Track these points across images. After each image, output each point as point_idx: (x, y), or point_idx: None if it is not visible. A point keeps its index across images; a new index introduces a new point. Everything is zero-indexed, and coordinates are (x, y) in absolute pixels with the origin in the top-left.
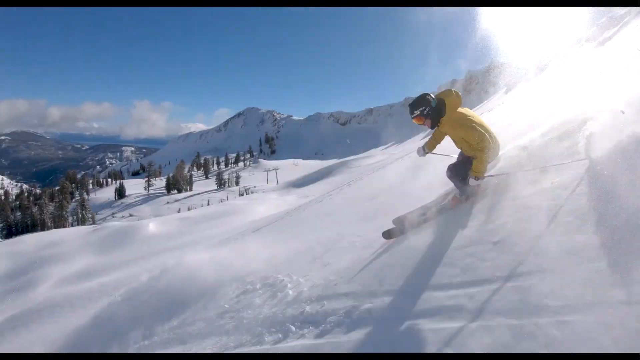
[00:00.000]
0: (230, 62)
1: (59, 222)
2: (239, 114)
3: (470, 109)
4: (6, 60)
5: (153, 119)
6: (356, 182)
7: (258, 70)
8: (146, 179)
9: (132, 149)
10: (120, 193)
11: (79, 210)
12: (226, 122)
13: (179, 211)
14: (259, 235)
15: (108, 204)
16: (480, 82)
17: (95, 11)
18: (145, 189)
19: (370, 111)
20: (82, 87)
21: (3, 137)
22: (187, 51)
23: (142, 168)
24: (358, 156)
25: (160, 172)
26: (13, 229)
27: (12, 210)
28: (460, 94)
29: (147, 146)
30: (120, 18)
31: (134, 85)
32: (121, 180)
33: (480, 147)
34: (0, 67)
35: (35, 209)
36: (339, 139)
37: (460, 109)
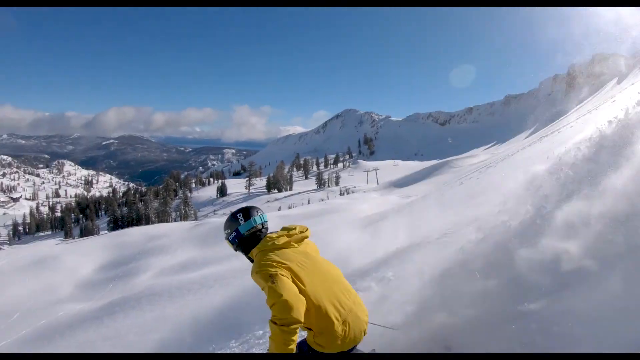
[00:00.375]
0: (328, 65)
1: (162, 217)
2: (337, 116)
3: (578, 104)
4: (115, 72)
5: (252, 122)
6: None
7: (355, 71)
8: (247, 179)
9: (233, 151)
10: (222, 191)
11: (182, 207)
12: (325, 124)
13: (279, 209)
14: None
15: (210, 202)
16: (585, 75)
17: (194, 22)
18: (246, 188)
19: (469, 110)
20: (184, 94)
21: (112, 141)
22: (284, 55)
23: (243, 168)
24: (460, 156)
25: (260, 172)
26: (119, 222)
27: (119, 205)
28: (305, 229)
29: (247, 148)
30: (217, 26)
31: (233, 91)
32: (223, 180)
33: (274, 315)
34: (109, 77)
35: (140, 205)
36: (439, 139)
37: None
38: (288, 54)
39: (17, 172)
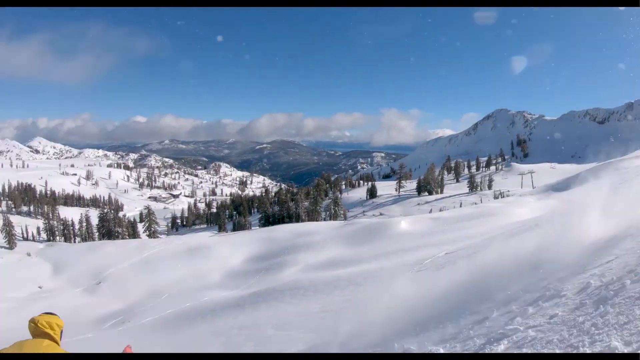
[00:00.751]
0: (477, 64)
1: (312, 216)
2: (487, 117)
3: None
4: (267, 81)
5: (401, 126)
6: None
7: (505, 69)
8: (397, 180)
9: (382, 154)
10: (372, 193)
11: (332, 207)
12: (475, 125)
13: (430, 212)
14: None
15: (359, 203)
16: None
17: (339, 29)
18: (395, 190)
19: (630, 105)
20: (333, 100)
21: (265, 145)
22: (431, 57)
23: (392, 171)
24: (626, 156)
25: (410, 175)
26: (270, 219)
27: (270, 204)
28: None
29: (396, 152)
30: (363, 31)
31: (381, 95)
32: (372, 182)
33: None
34: (262, 86)
35: (291, 204)
36: (597, 139)
37: None
38: (435, 55)
39: (177, 172)
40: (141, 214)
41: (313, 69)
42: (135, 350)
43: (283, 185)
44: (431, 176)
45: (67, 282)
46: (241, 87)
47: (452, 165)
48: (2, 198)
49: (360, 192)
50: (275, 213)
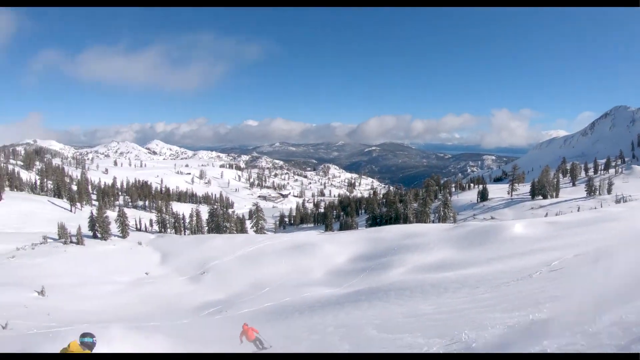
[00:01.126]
0: (592, 60)
1: (421, 217)
2: (605, 115)
3: None
4: (376, 83)
5: (512, 127)
6: None
7: (621, 62)
8: (510, 183)
9: (493, 157)
10: (483, 196)
11: (441, 209)
12: (592, 125)
13: (545, 215)
14: None
15: (470, 206)
16: None
17: (448, 29)
18: (507, 193)
19: None
20: (442, 102)
21: (374, 148)
22: (541, 54)
23: (504, 174)
24: None
25: (523, 177)
26: (378, 220)
27: (378, 205)
28: None
29: (508, 155)
30: (471, 31)
31: (491, 95)
32: (484, 184)
33: None
34: (371, 89)
35: (399, 205)
36: None
37: None
38: (545, 52)
39: (287, 173)
40: (250, 211)
41: (422, 70)
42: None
43: (391, 188)
44: (546, 179)
45: (173, 270)
46: (350, 91)
47: (568, 167)
48: (120, 193)
49: (471, 195)
50: (382, 214)
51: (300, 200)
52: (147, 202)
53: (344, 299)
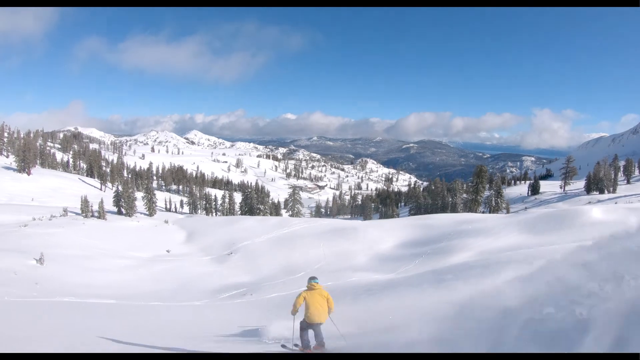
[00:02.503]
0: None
1: (471, 207)
2: None
3: None
4: (416, 79)
5: (554, 127)
6: None
7: None
8: (563, 177)
9: (532, 158)
10: (534, 189)
11: (494, 198)
12: None
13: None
14: None
15: (520, 199)
16: None
17: (492, 26)
18: (560, 188)
19: None
20: (483, 100)
21: (412, 145)
22: (587, 56)
23: (548, 173)
24: None
25: (576, 172)
26: (422, 210)
27: (424, 197)
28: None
29: (548, 156)
30: (515, 30)
31: (534, 94)
32: (535, 178)
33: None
34: (411, 85)
35: (447, 194)
36: None
37: None
38: (591, 51)
39: (324, 165)
40: (286, 200)
41: (463, 68)
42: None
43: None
44: (604, 172)
45: (198, 249)
46: (390, 86)
47: (623, 164)
48: (155, 178)
49: (520, 189)
50: (428, 204)
51: (337, 192)
52: (180, 187)
53: (406, 282)
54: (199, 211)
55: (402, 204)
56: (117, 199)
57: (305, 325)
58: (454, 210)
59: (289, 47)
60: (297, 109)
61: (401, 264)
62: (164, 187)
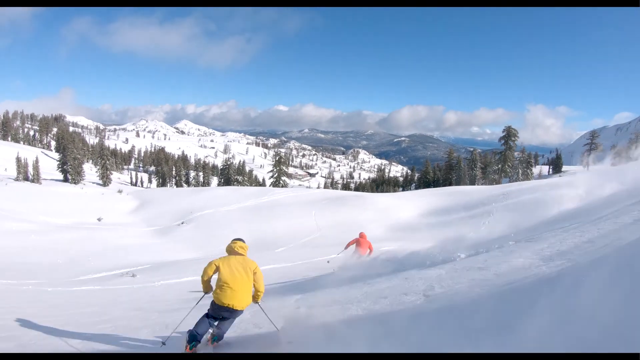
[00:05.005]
0: (634, 61)
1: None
2: None
3: None
4: (409, 72)
5: (547, 124)
6: None
7: None
8: (587, 152)
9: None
10: (557, 167)
11: (520, 169)
12: None
13: None
14: None
15: (544, 177)
16: None
17: (489, 22)
18: (584, 166)
19: None
20: (477, 94)
21: (403, 138)
22: (584, 53)
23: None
24: None
25: (601, 148)
26: (431, 185)
27: (434, 171)
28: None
29: (538, 152)
30: (509, 23)
31: (528, 90)
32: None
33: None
34: (404, 78)
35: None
36: None
37: None
38: (587, 48)
39: (315, 154)
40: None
41: (457, 62)
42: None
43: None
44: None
45: (142, 219)
46: (383, 79)
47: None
48: (136, 161)
49: (535, 171)
50: (438, 179)
51: (328, 181)
52: (160, 168)
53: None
54: (168, 185)
55: (401, 189)
56: (63, 164)
57: (212, 310)
58: (473, 182)
59: (284, 33)
60: (289, 100)
61: (437, 232)
62: (141, 169)
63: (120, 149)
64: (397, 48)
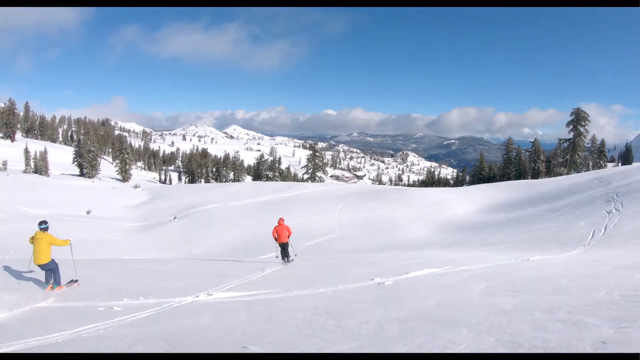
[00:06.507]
0: None
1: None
2: None
3: None
4: (458, 74)
5: (601, 123)
6: None
7: None
8: None
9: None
10: (626, 159)
11: (594, 158)
12: None
13: None
14: None
15: None
16: None
17: (545, 20)
18: None
19: None
20: (528, 95)
21: (453, 141)
22: (637, 49)
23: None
24: None
25: None
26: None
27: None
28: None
29: None
30: (562, 23)
31: (580, 89)
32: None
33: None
34: (453, 80)
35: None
36: None
37: None
38: None
39: (363, 157)
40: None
41: (506, 62)
42: None
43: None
44: None
45: (139, 214)
46: (431, 81)
47: None
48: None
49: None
50: (494, 175)
51: (375, 183)
52: (190, 167)
53: None
54: (198, 181)
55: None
56: (78, 156)
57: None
58: (536, 176)
59: (330, 35)
60: (338, 104)
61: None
62: (181, 169)
63: (164, 151)
64: (445, 49)
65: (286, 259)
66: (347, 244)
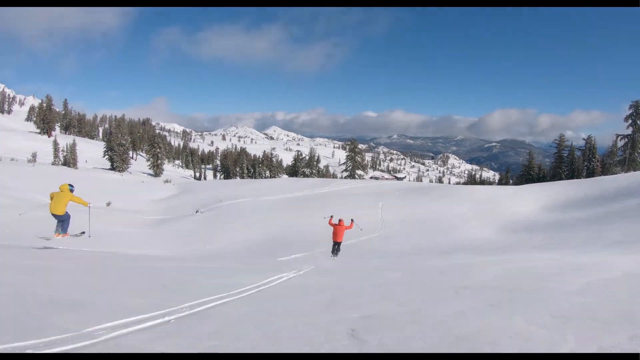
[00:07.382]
0: None
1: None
2: None
3: None
4: (500, 75)
5: None
6: None
7: None
8: None
9: None
10: None
11: None
12: None
13: None
14: None
15: None
16: None
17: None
18: None
19: None
20: (571, 96)
21: (494, 144)
22: None
23: None
24: None
25: None
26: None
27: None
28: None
29: None
30: (604, 22)
31: (626, 90)
32: None
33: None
34: (495, 81)
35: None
36: None
37: None
38: None
39: (403, 159)
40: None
41: (549, 62)
42: None
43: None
44: None
45: (163, 208)
46: (473, 82)
47: None
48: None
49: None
50: (544, 175)
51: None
52: (225, 164)
53: None
54: (233, 178)
55: None
56: (108, 150)
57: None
58: (591, 174)
59: (371, 36)
60: (378, 106)
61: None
62: (219, 167)
63: (202, 149)
64: (487, 49)
65: (335, 253)
66: (393, 244)
